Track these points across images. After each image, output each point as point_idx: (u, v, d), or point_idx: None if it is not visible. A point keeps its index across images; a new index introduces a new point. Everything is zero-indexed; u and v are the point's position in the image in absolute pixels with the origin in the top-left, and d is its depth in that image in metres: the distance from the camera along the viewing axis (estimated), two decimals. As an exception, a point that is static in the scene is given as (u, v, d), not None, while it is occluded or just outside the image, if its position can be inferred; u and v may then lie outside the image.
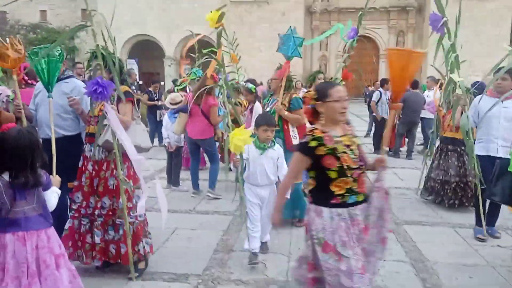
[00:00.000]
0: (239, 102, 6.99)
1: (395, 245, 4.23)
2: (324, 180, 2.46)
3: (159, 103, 10.03)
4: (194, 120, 5.81)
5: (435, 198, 5.62)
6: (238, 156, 3.61)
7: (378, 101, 9.78)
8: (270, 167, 3.73)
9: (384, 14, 30.10)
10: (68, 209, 3.62)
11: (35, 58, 3.17)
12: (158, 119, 10.05)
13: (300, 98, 4.72)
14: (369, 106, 10.95)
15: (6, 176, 2.39)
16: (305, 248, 2.66)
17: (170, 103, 6.33)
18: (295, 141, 4.58)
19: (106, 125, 3.23)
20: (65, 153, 3.58)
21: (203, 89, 5.27)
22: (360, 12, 5.41)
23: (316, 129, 2.50)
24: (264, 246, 4.00)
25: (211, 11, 3.76)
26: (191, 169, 6.26)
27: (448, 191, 5.46)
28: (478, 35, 25.45)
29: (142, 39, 28.29)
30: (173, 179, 6.45)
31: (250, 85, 6.20)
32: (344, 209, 2.44)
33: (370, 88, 12.74)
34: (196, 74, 9.33)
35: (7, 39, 3.56)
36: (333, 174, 2.43)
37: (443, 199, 5.50)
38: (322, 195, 2.48)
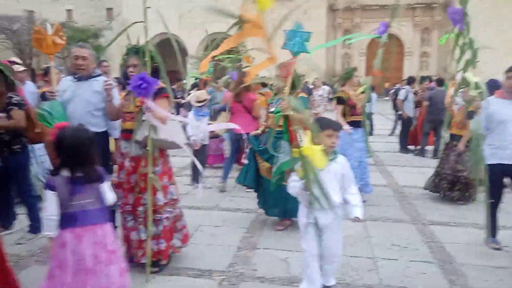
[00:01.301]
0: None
1: (421, 245, 4.16)
2: None
3: (183, 101, 10.13)
4: (237, 117, 5.93)
5: (442, 193, 5.69)
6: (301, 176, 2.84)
7: (405, 99, 9.61)
8: (333, 185, 2.93)
9: (409, 11, 29.57)
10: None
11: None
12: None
13: (306, 97, 4.64)
14: (394, 104, 10.78)
15: (64, 173, 2.47)
16: None
17: (196, 101, 6.39)
18: (301, 143, 4.44)
19: (144, 120, 3.22)
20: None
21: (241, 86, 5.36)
22: (394, 5, 5.20)
23: None
24: None
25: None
26: (226, 163, 6.43)
27: (457, 185, 5.60)
28: (502, 34, 24.70)
29: (165, 37, 28.62)
30: (195, 176, 6.51)
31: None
32: None
33: (397, 86, 12.51)
34: (208, 71, 9.42)
35: (51, 24, 3.63)
36: None
37: (446, 194, 5.65)
38: None
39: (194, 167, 6.54)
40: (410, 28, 29.88)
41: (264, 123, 4.90)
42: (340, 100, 5.51)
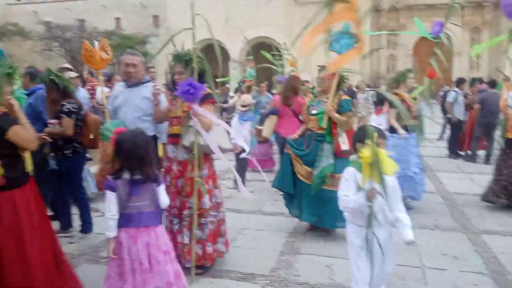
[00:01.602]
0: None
1: (473, 255, 3.97)
2: None
3: (226, 105, 10.25)
4: (285, 121, 5.94)
5: (504, 201, 5.36)
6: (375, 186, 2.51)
7: (454, 102, 9.22)
8: (386, 199, 2.58)
9: (458, 10, 28.44)
10: None
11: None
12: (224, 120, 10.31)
13: (349, 99, 4.49)
14: (443, 107, 10.36)
15: (124, 175, 2.60)
16: None
17: (241, 105, 6.47)
18: (344, 146, 4.28)
19: (191, 126, 3.27)
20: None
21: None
22: (450, 4, 4.97)
23: None
24: None
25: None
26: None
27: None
28: None
29: (208, 42, 28.90)
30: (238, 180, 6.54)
31: None
32: None
33: (445, 88, 12.02)
34: (251, 75, 9.46)
35: (97, 40, 3.82)
36: None
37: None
38: None
39: (238, 171, 6.57)
40: (459, 28, 28.75)
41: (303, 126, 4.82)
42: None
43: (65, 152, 4.16)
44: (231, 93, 11.57)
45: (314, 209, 4.38)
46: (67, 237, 4.37)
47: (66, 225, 4.50)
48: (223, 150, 3.54)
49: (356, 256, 2.71)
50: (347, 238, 2.83)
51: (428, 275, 3.58)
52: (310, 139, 4.44)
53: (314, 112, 4.46)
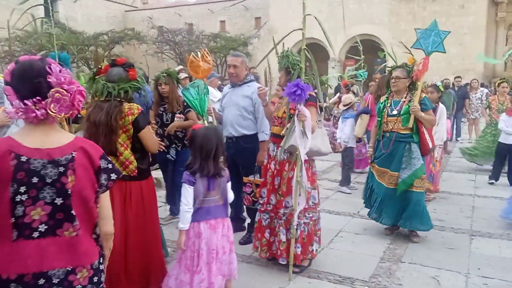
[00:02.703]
0: None
1: None
2: None
3: (324, 104, 10.14)
4: (368, 121, 5.81)
5: None
6: None
7: None
8: None
9: None
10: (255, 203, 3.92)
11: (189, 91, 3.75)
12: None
13: (427, 97, 4.36)
14: None
15: (200, 169, 2.76)
16: None
17: (342, 105, 6.41)
18: (430, 144, 4.23)
19: (294, 127, 3.28)
20: (244, 149, 3.92)
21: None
22: None
23: None
24: None
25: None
26: None
27: None
28: None
29: (308, 42, 28.84)
30: (341, 179, 6.46)
31: (439, 83, 5.88)
32: None
33: None
34: (362, 75, 9.15)
35: (199, 52, 4.10)
36: None
37: None
38: None
39: (343, 170, 6.49)
40: None
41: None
42: None
43: (185, 142, 4.43)
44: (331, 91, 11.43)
45: (397, 212, 4.31)
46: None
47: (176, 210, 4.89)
48: (322, 153, 3.52)
49: None
50: None
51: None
52: (390, 140, 4.27)
53: (394, 112, 4.27)
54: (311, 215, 3.53)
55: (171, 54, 30.26)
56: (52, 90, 1.54)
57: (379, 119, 4.41)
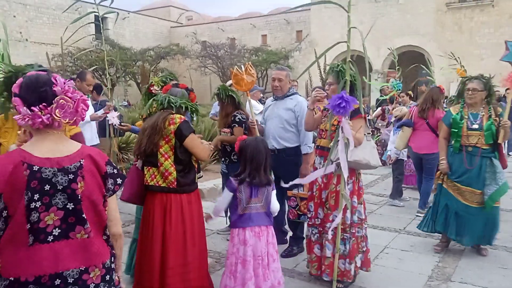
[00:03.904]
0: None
1: None
2: None
3: (368, 116, 9.98)
4: (419, 135, 5.62)
5: None
6: None
7: None
8: None
9: None
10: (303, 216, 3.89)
11: None
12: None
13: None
14: None
15: (245, 177, 2.87)
16: None
17: (394, 116, 6.36)
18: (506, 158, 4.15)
19: (339, 140, 3.19)
20: (287, 162, 3.92)
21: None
22: None
23: None
24: None
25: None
26: (418, 186, 6.08)
27: None
28: None
29: (350, 54, 28.45)
30: (392, 192, 6.31)
31: None
32: None
33: None
34: (395, 87, 8.93)
35: (242, 66, 4.18)
36: None
37: None
38: None
39: (393, 183, 6.36)
40: None
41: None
42: None
43: (232, 157, 4.45)
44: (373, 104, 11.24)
45: (479, 230, 4.13)
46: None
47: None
48: (370, 167, 3.44)
49: None
50: None
51: None
52: (474, 156, 4.08)
53: (475, 126, 4.07)
54: (354, 230, 3.44)
55: (213, 68, 30.90)
56: (57, 97, 1.66)
57: (456, 131, 4.14)
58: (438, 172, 4.40)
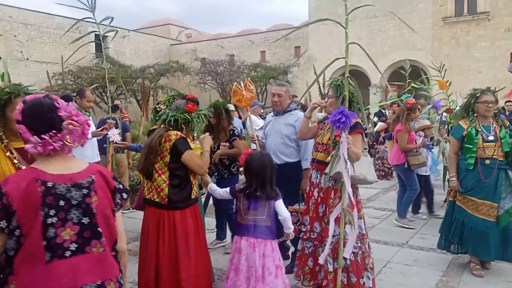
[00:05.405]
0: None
1: None
2: None
3: (367, 131, 10.01)
4: (392, 147, 6.25)
5: None
6: None
7: None
8: None
9: None
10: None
11: None
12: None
13: None
14: None
15: (248, 188, 2.95)
16: None
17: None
18: None
19: (338, 155, 3.17)
20: (288, 177, 3.91)
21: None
22: None
23: None
24: None
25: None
26: (398, 197, 6.22)
27: None
28: None
29: (349, 69, 28.61)
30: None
31: None
32: None
33: None
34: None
35: (241, 82, 4.23)
36: None
37: None
38: None
39: (426, 195, 6.43)
40: None
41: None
42: None
43: (231, 169, 4.58)
44: (374, 119, 11.25)
45: (499, 245, 4.02)
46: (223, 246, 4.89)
47: (222, 235, 4.99)
48: (367, 182, 3.44)
49: None
50: None
51: None
52: (491, 168, 3.99)
53: (491, 138, 4.02)
54: (358, 244, 3.41)
55: (213, 84, 31.05)
56: (65, 122, 1.68)
57: (470, 147, 4.05)
58: (449, 189, 4.36)
